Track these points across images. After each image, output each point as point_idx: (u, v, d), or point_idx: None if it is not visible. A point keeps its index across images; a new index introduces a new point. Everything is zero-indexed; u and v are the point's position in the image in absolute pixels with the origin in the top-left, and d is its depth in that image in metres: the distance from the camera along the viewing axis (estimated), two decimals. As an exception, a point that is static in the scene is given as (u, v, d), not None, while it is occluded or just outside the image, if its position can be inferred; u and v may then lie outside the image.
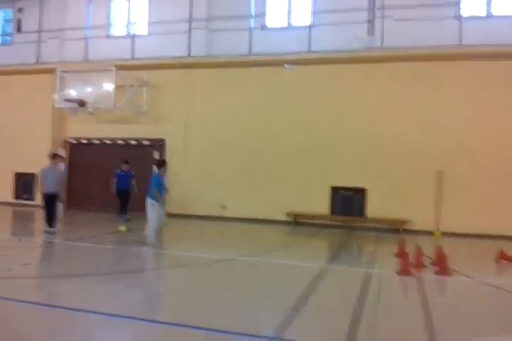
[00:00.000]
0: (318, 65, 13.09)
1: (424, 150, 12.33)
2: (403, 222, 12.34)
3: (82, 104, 13.68)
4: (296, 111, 13.36)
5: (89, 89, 13.98)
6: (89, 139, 15.31)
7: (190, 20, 14.17)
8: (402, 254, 8.62)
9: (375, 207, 12.73)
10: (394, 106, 12.64)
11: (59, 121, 15.66)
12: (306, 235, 11.65)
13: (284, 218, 13.36)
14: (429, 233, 12.09)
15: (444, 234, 11.96)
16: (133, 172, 12.36)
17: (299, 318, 5.16)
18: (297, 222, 13.25)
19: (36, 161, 14.44)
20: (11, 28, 17.46)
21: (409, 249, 8.63)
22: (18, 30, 16.89)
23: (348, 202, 12.95)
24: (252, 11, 14.20)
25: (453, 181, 12.09)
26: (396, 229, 12.37)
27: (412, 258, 8.12)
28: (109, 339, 4.57)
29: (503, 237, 11.38)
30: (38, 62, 15.75)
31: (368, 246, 10.60)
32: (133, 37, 14.82)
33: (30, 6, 16.58)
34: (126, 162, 12.51)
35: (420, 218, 12.33)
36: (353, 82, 12.96)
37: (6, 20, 17.74)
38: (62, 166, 10.43)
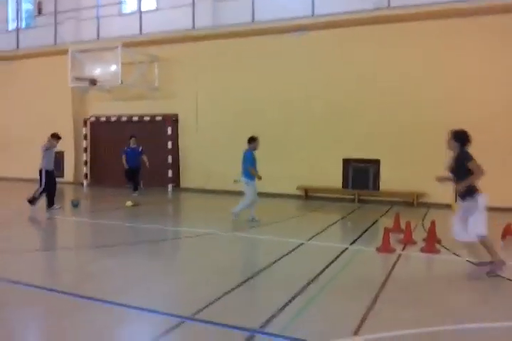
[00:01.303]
0: (327, 29, 12.26)
1: (440, 115, 11.28)
2: (419, 194, 11.52)
3: (93, 82, 13.82)
4: (305, 81, 12.68)
5: (100, 68, 14.11)
6: (107, 117, 15.53)
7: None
8: (394, 230, 8.04)
9: (389, 179, 11.97)
10: (407, 70, 11.62)
11: (79, 101, 15.99)
12: (309, 209, 11.21)
13: (296, 192, 12.94)
14: (448, 206, 11.21)
15: (464, 207, 11.02)
16: (141, 148, 12.48)
17: (234, 295, 4.87)
18: (309, 195, 12.78)
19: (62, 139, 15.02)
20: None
21: (412, 224, 7.95)
22: (39, 12, 17.24)
23: (360, 174, 12.27)
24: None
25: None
26: (411, 202, 11.60)
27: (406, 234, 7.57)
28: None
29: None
30: (55, 43, 16.00)
31: (369, 220, 9.96)
32: (140, 13, 14.61)
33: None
34: (133, 136, 12.62)
35: (437, 190, 11.36)
36: (364, 46, 12.02)
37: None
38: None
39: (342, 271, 5.94)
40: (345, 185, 12.46)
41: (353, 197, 12.23)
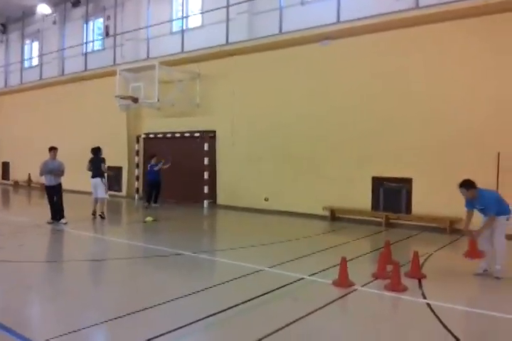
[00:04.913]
0: (353, 36, 11.36)
1: (485, 131, 9.72)
2: (453, 220, 9.96)
3: (135, 100, 14.40)
4: (334, 94, 11.81)
5: (143, 86, 14.66)
6: (155, 134, 16.06)
7: (227, 6, 13.74)
8: (382, 260, 6.96)
9: (422, 202, 10.55)
10: (443, 79, 10.24)
11: (133, 119, 16.79)
12: (322, 231, 10.31)
13: (322, 212, 12.01)
14: (488, 235, 9.50)
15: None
16: (161, 162, 13.34)
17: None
18: (336, 217, 11.79)
19: (119, 156, 15.89)
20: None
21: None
22: (107, 35, 18.60)
23: (391, 195, 11.01)
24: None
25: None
26: (445, 228, 10.07)
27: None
28: None
29: None
30: (114, 64, 17.08)
31: (372, 247, 8.75)
32: (183, 31, 14.98)
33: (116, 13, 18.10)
34: (153, 156, 13.51)
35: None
36: (395, 53, 10.88)
37: (99, 28, 19.75)
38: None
39: (257, 306, 5.21)
40: (375, 206, 11.27)
41: (380, 220, 10.99)
